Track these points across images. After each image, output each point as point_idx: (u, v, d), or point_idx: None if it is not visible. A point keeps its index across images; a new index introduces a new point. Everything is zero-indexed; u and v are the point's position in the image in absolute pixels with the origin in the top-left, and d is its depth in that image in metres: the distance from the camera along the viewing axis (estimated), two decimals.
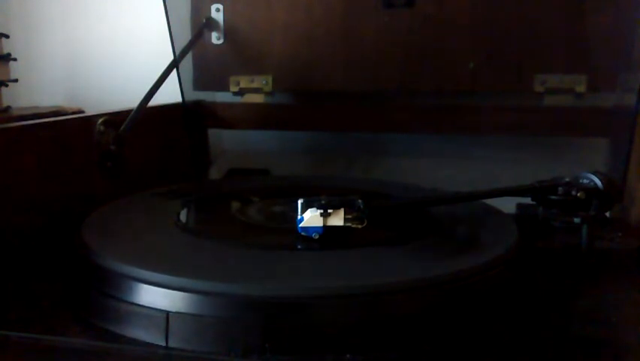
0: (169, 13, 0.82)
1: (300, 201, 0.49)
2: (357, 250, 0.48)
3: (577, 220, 0.54)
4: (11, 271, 0.52)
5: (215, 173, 0.93)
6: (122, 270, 0.43)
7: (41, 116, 0.75)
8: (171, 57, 0.81)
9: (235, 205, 0.67)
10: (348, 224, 0.49)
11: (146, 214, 0.59)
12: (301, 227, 0.49)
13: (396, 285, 0.41)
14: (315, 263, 0.46)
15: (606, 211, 0.55)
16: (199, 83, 0.90)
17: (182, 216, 0.59)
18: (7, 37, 0.93)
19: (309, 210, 0.49)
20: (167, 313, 0.40)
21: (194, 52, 0.88)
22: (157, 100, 0.74)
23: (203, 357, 0.38)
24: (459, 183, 0.75)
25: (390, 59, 0.83)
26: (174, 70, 0.81)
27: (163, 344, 0.40)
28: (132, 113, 0.69)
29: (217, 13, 0.88)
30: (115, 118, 0.68)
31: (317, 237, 0.49)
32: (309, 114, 0.88)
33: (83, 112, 0.86)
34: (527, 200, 0.58)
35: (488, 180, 0.74)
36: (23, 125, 0.58)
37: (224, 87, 0.89)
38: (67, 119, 0.66)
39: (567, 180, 0.55)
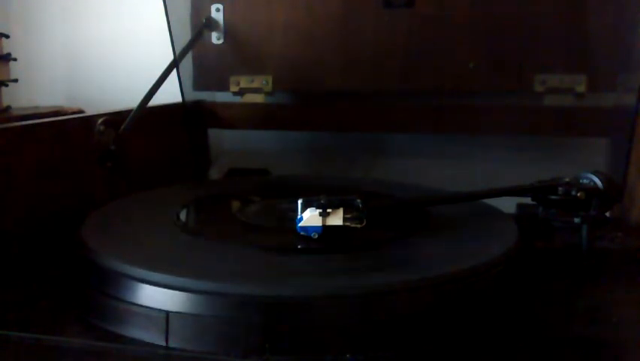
0: (169, 13, 0.82)
1: (299, 201, 0.49)
2: (356, 250, 0.48)
3: (577, 220, 0.54)
4: (11, 271, 0.52)
5: (215, 173, 0.93)
6: (122, 270, 0.43)
7: (41, 116, 0.75)
8: (171, 57, 0.81)
9: (235, 205, 0.67)
10: (347, 224, 0.49)
11: (146, 214, 0.59)
12: (300, 227, 0.49)
13: (396, 285, 0.41)
14: (314, 263, 0.46)
15: (606, 211, 0.55)
16: (199, 83, 0.90)
17: (182, 216, 0.59)
18: (7, 37, 0.93)
19: (308, 209, 0.49)
20: (167, 313, 0.40)
21: (194, 52, 0.88)
22: (157, 100, 0.74)
23: (203, 357, 0.38)
24: (459, 183, 0.75)
25: (390, 59, 0.83)
26: (174, 70, 0.81)
27: (163, 344, 0.40)
28: (132, 113, 0.69)
29: (217, 13, 0.88)
30: (115, 118, 0.68)
31: (316, 236, 0.49)
32: (309, 114, 0.88)
33: (83, 112, 0.86)
34: (527, 200, 0.58)
35: (488, 180, 0.74)
36: (23, 125, 0.58)
37: (224, 87, 0.89)
38: (67, 119, 0.66)
39: (567, 180, 0.55)
